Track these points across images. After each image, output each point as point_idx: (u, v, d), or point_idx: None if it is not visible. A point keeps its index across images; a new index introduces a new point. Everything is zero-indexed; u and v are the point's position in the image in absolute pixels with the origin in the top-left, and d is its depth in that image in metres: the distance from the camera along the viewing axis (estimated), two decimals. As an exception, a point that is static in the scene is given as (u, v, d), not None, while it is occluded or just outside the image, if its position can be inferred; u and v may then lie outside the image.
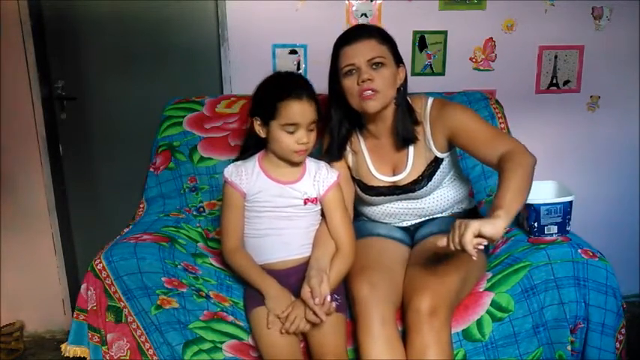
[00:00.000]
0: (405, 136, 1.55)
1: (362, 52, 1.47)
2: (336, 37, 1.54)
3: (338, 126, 1.59)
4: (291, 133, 1.42)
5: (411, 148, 1.58)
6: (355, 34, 1.50)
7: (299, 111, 1.41)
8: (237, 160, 1.58)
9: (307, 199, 1.51)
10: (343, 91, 1.51)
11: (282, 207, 1.51)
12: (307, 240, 1.54)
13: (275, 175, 1.51)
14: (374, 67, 1.47)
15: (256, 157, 1.54)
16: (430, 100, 1.58)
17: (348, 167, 1.66)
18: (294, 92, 1.41)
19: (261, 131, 1.48)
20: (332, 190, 1.52)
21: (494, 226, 1.21)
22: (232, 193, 1.51)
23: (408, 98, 1.59)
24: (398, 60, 1.54)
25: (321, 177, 1.52)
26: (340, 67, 1.50)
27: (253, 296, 1.50)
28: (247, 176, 1.50)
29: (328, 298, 1.38)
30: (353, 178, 1.65)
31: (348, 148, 1.65)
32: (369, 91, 1.46)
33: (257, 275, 1.47)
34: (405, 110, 1.55)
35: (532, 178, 1.37)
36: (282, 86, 1.44)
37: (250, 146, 1.56)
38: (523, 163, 1.35)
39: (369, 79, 1.45)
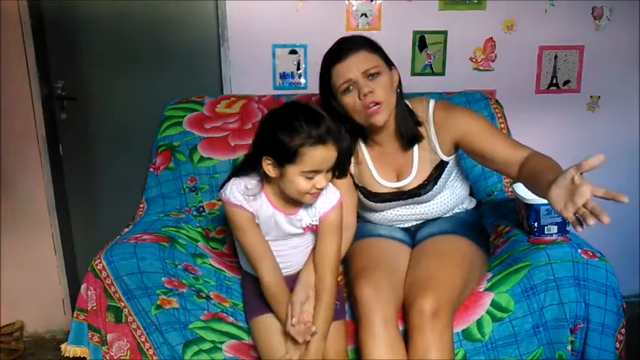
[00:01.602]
0: (409, 135, 1.53)
1: (355, 66, 1.43)
2: (335, 40, 1.52)
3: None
4: (310, 178, 1.29)
5: (416, 153, 1.57)
6: (343, 49, 1.46)
7: (324, 158, 1.28)
8: (231, 176, 1.43)
9: (307, 227, 1.43)
10: (344, 108, 1.49)
11: (282, 237, 1.44)
12: (306, 257, 1.50)
13: (277, 203, 1.40)
14: (370, 77, 1.44)
15: (260, 186, 1.40)
16: (432, 103, 1.57)
17: (350, 174, 1.63)
18: (319, 137, 1.26)
19: (271, 171, 1.32)
20: (331, 212, 1.41)
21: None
22: (243, 215, 1.37)
23: (407, 101, 1.58)
24: (389, 64, 1.52)
25: (319, 201, 1.40)
26: (337, 87, 1.47)
27: (254, 304, 1.49)
28: (251, 203, 1.38)
29: (313, 328, 1.34)
30: (356, 185, 1.64)
31: (351, 159, 1.62)
32: (374, 105, 1.43)
33: (283, 302, 1.41)
34: (404, 112, 1.54)
35: None
36: (304, 128, 1.25)
37: (248, 173, 1.41)
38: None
39: (370, 92, 1.43)
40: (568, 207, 1.12)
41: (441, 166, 1.57)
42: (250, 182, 1.38)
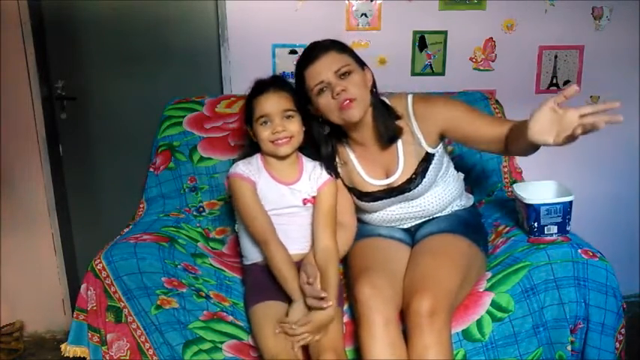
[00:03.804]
0: (389, 134, 1.55)
1: (326, 67, 1.47)
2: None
3: (325, 144, 1.60)
4: (266, 124, 1.50)
5: (400, 148, 1.57)
6: (313, 52, 1.51)
7: (265, 102, 1.51)
8: (237, 160, 1.61)
9: (306, 200, 1.55)
10: (320, 110, 1.51)
11: (284, 207, 1.54)
12: (308, 236, 1.56)
13: (276, 174, 1.55)
14: (342, 77, 1.47)
15: (258, 157, 1.58)
16: (410, 97, 1.59)
17: (340, 178, 1.65)
18: (259, 88, 1.54)
19: (253, 136, 1.56)
20: (326, 185, 1.56)
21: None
22: (245, 185, 1.52)
23: (386, 99, 1.59)
24: (361, 64, 1.54)
25: (316, 175, 1.57)
26: (310, 89, 1.50)
27: (254, 292, 1.52)
28: (254, 174, 1.54)
29: (322, 294, 1.40)
30: (347, 187, 1.65)
31: (336, 159, 1.64)
32: (347, 101, 1.46)
33: (290, 277, 1.45)
34: (381, 109, 1.56)
35: None
36: (253, 87, 1.57)
37: (249, 153, 1.61)
38: None
39: (342, 91, 1.45)
40: (561, 135, 1.22)
41: (427, 158, 1.57)
42: (251, 159, 1.60)
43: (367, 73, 1.54)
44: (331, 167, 1.60)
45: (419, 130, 1.56)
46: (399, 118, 1.56)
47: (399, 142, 1.57)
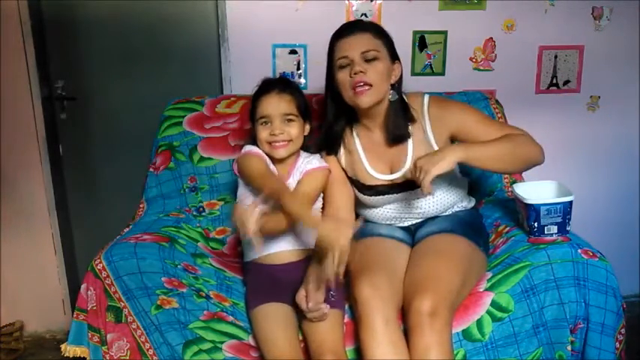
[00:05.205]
0: (395, 133, 1.56)
1: (356, 45, 1.48)
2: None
3: (333, 121, 1.61)
4: (266, 125, 1.53)
5: (411, 146, 1.57)
6: (350, 27, 1.52)
7: (267, 103, 1.53)
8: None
9: None
10: (337, 83, 1.52)
11: None
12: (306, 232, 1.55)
13: (274, 169, 1.57)
14: (367, 60, 1.48)
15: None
16: (427, 98, 1.60)
17: (343, 169, 1.66)
18: (263, 89, 1.56)
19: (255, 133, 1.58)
20: (314, 171, 1.56)
21: (446, 164, 1.37)
22: (258, 159, 1.52)
23: (404, 96, 1.60)
24: (394, 56, 1.54)
25: (303, 164, 1.58)
26: (335, 60, 1.51)
27: (255, 294, 1.52)
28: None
29: (323, 307, 1.40)
30: (350, 178, 1.65)
31: (342, 148, 1.65)
32: (362, 85, 1.46)
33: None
34: (398, 108, 1.56)
35: (525, 158, 1.48)
36: (259, 86, 1.59)
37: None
38: (520, 141, 1.45)
39: (361, 72, 1.46)
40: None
41: None
42: None
43: (396, 68, 1.56)
44: (335, 144, 1.61)
45: (431, 131, 1.57)
46: (413, 120, 1.57)
47: (410, 141, 1.58)
